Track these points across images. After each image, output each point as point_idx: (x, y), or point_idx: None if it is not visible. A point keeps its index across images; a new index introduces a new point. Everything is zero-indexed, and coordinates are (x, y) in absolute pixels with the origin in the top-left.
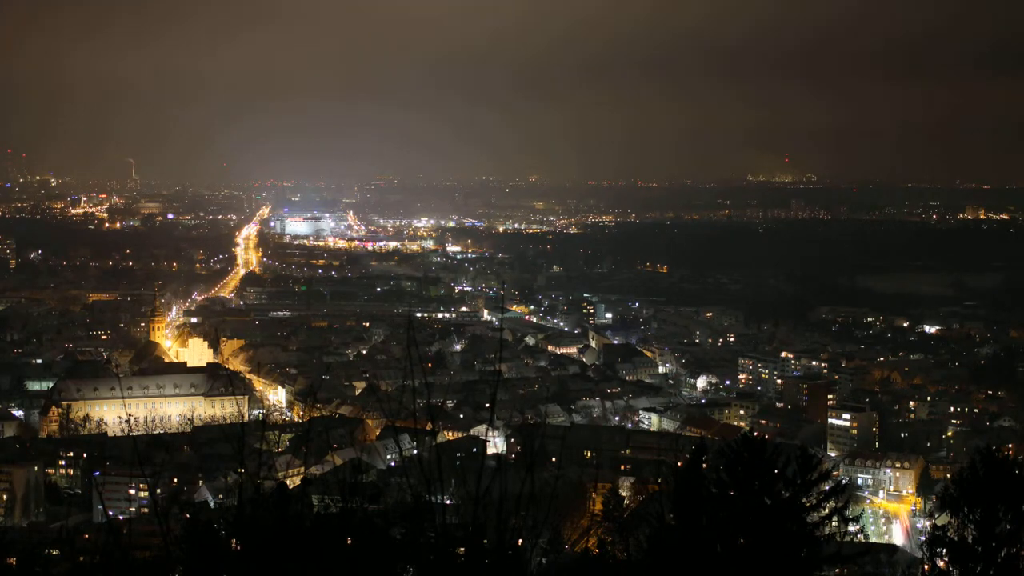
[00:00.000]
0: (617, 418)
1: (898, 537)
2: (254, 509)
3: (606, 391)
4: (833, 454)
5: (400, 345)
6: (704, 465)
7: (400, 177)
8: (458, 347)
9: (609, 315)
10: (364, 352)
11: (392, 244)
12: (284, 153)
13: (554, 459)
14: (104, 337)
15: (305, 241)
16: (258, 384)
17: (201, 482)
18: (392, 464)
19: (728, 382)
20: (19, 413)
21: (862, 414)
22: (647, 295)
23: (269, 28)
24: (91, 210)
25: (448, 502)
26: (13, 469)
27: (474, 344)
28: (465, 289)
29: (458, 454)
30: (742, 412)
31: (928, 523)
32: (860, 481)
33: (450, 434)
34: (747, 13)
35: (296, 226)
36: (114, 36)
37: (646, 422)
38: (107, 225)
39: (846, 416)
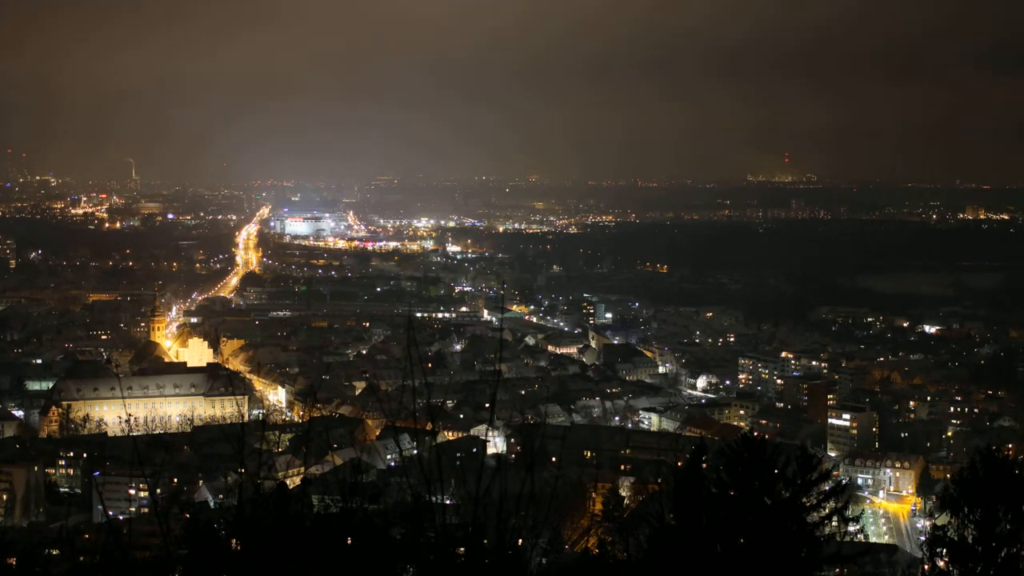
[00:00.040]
0: (617, 418)
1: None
2: (254, 509)
3: (606, 391)
4: (833, 454)
5: (400, 345)
6: (704, 465)
7: (400, 177)
8: (458, 347)
9: (609, 315)
10: (364, 352)
11: (392, 244)
12: (284, 153)
13: (554, 459)
14: (104, 337)
15: (305, 241)
16: (258, 384)
17: (201, 482)
18: (392, 464)
19: (728, 382)
20: (19, 413)
21: (862, 414)
22: (647, 295)
23: (269, 28)
24: (91, 210)
25: (448, 502)
26: (13, 469)
27: (474, 344)
28: (465, 289)
29: (458, 454)
30: (742, 412)
31: (928, 523)
32: (860, 481)
33: (450, 434)
34: (747, 13)
35: (296, 226)
36: (114, 36)
37: (646, 422)
38: (107, 225)
39: (846, 416)
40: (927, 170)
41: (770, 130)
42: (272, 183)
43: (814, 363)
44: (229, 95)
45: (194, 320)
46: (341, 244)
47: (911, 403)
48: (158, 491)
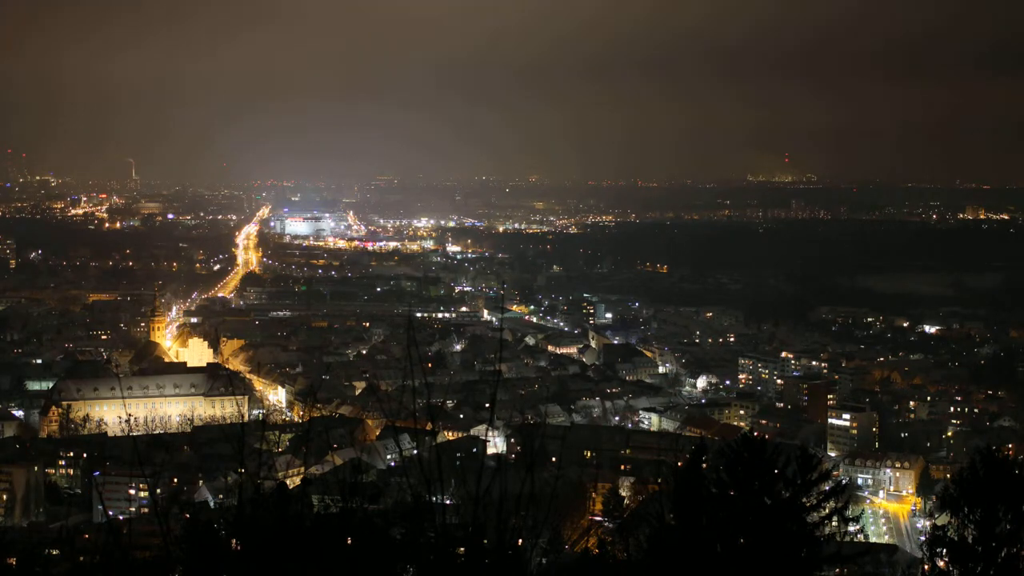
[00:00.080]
0: (617, 418)
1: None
2: (254, 509)
3: (606, 391)
4: (833, 454)
5: (400, 345)
6: (704, 465)
7: (400, 177)
8: (458, 347)
9: (609, 315)
10: (364, 352)
11: (392, 244)
12: (284, 153)
13: (554, 459)
14: (104, 337)
15: (305, 241)
16: (258, 384)
17: (201, 482)
18: (392, 464)
19: (728, 382)
20: (19, 413)
21: (862, 414)
22: (647, 295)
23: (269, 28)
24: (91, 210)
25: (448, 502)
26: (13, 469)
27: (474, 344)
28: (465, 289)
29: (458, 454)
30: (742, 412)
31: (928, 523)
32: (860, 481)
33: (450, 434)
34: (747, 13)
35: (296, 226)
36: (114, 36)
37: (646, 422)
38: (107, 225)
39: (846, 416)
40: (927, 170)
41: (770, 130)
42: (272, 183)
43: (814, 363)
44: (229, 95)
45: (194, 320)
46: (341, 244)
47: (911, 403)
48: (158, 491)
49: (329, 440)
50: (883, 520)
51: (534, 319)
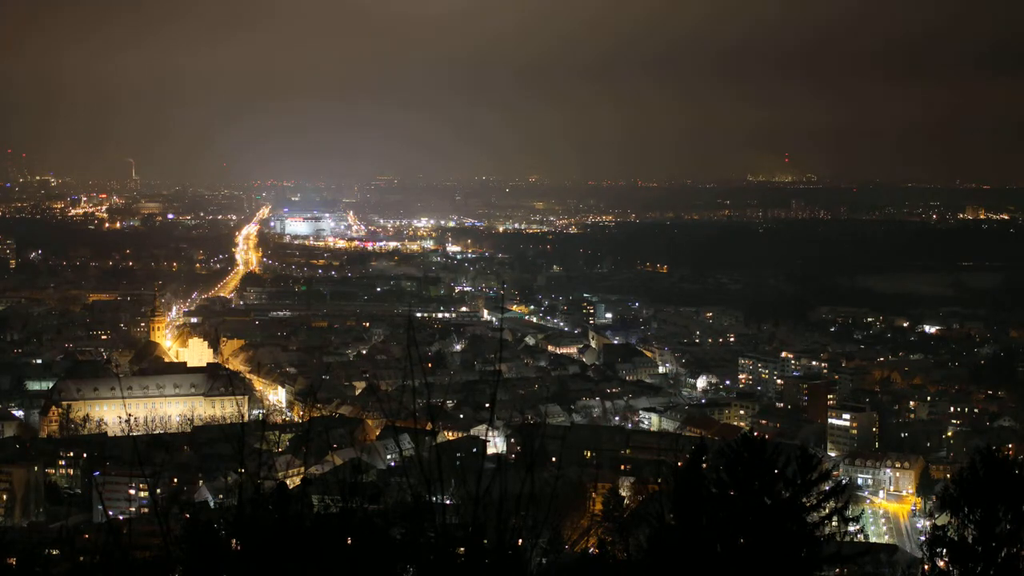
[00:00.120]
0: (617, 418)
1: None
2: (254, 509)
3: (606, 391)
4: (833, 454)
5: (400, 345)
6: (704, 465)
7: (400, 177)
8: (458, 347)
9: (609, 315)
10: (364, 352)
11: (392, 244)
12: (284, 153)
13: (554, 459)
14: (104, 337)
15: (305, 241)
16: (258, 384)
17: (201, 482)
18: (392, 464)
19: (728, 382)
20: (19, 413)
21: (862, 414)
22: (647, 295)
23: (269, 28)
24: (91, 210)
25: (448, 502)
26: (13, 469)
27: (474, 344)
28: (465, 289)
29: (458, 454)
30: (742, 412)
31: (928, 523)
32: (860, 481)
33: (450, 434)
34: (747, 13)
35: (296, 226)
36: (114, 36)
37: (646, 422)
38: (107, 225)
39: (846, 416)
40: (927, 170)
41: (770, 130)
42: (272, 183)
43: (814, 363)
44: (229, 95)
45: (194, 320)
46: (341, 244)
47: (911, 403)
48: (158, 491)
49: (329, 440)
50: (883, 520)
51: (534, 319)
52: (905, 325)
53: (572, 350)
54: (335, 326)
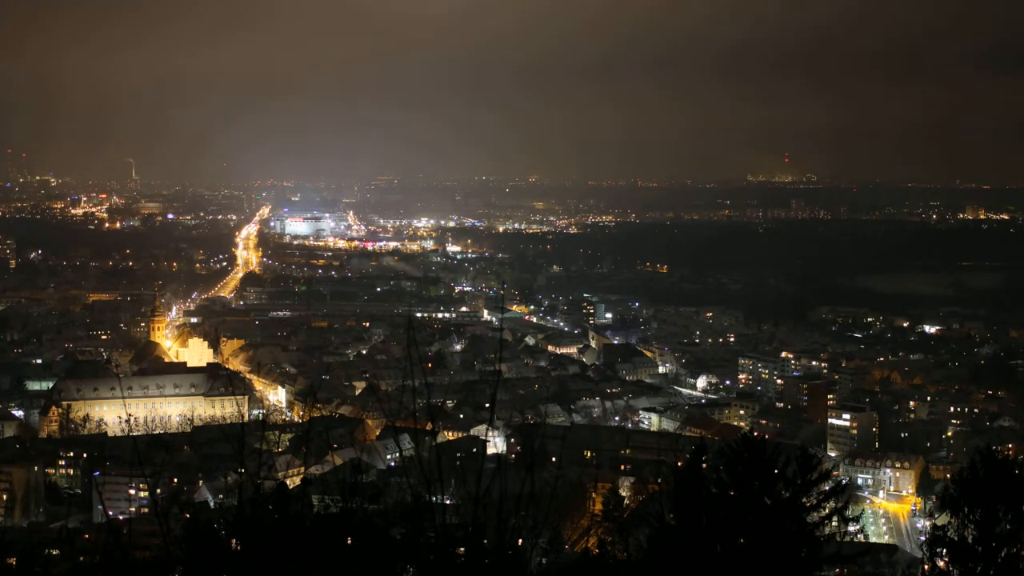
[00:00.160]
0: (617, 418)
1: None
2: (254, 509)
3: (606, 391)
4: (833, 454)
5: (400, 345)
6: (704, 465)
7: (400, 177)
8: (458, 347)
9: (609, 315)
10: (364, 352)
11: (392, 244)
12: (284, 153)
13: (554, 459)
14: (104, 337)
15: (305, 241)
16: (258, 384)
17: (201, 482)
18: (392, 464)
19: (728, 382)
20: (19, 413)
21: (862, 414)
22: (647, 295)
23: (269, 28)
24: (91, 210)
25: (448, 502)
26: (13, 469)
27: (474, 344)
28: (465, 289)
29: (458, 454)
30: (742, 412)
31: (928, 523)
32: (860, 481)
33: (450, 434)
34: (747, 13)
35: (296, 226)
36: (114, 36)
37: (646, 422)
38: (107, 225)
39: (846, 416)
40: (927, 170)
41: (770, 130)
42: (272, 183)
43: (814, 363)
44: (229, 95)
45: (194, 320)
46: (341, 244)
47: (911, 403)
48: (158, 491)
49: (329, 440)
50: (883, 520)
51: (534, 319)
52: (905, 325)
53: (572, 350)
54: (335, 326)
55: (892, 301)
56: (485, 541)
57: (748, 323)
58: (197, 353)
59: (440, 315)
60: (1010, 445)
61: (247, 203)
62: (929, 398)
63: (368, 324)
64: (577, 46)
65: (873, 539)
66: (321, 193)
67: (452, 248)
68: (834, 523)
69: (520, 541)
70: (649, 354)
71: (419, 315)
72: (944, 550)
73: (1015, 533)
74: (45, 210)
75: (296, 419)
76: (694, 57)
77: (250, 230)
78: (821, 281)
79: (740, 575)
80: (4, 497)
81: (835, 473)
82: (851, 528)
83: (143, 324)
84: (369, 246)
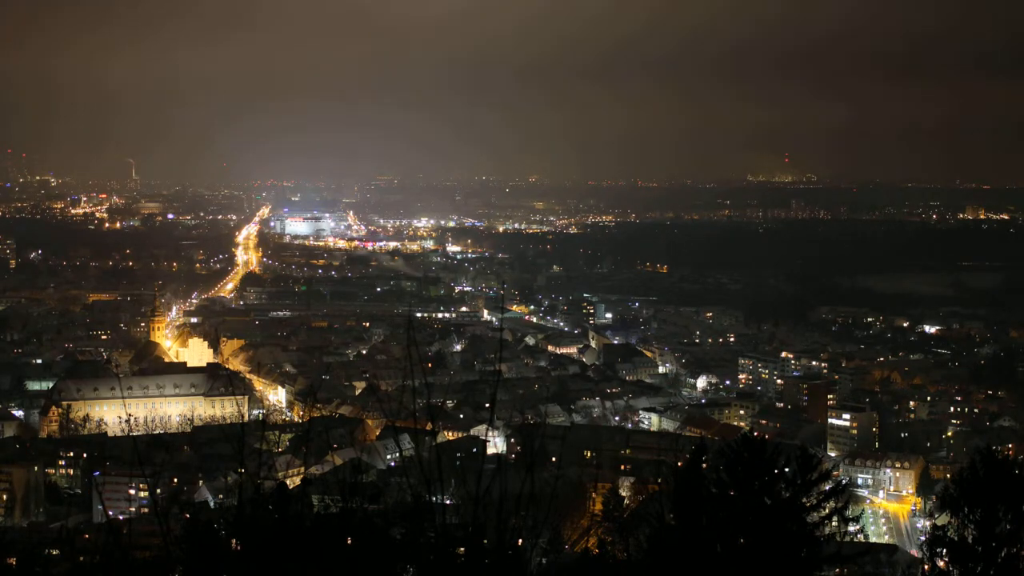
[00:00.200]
0: (617, 418)
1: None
2: (254, 509)
3: (606, 391)
4: (833, 454)
5: (400, 345)
6: (704, 465)
7: (400, 177)
8: (458, 347)
9: (609, 315)
10: (364, 352)
11: (392, 244)
12: (284, 153)
13: (554, 459)
14: (104, 337)
15: (305, 241)
16: (258, 384)
17: (201, 482)
18: (392, 464)
19: (728, 382)
20: (19, 413)
21: (862, 414)
22: (647, 295)
23: (269, 28)
24: (91, 210)
25: (448, 502)
26: (13, 469)
27: (474, 344)
28: (465, 289)
29: (458, 454)
30: (742, 412)
31: (928, 523)
32: (860, 481)
33: (450, 434)
34: (749, 14)
35: (296, 226)
36: (114, 36)
37: (646, 422)
38: (107, 225)
39: (846, 416)
40: (927, 170)
41: (770, 130)
42: (272, 183)
43: (814, 363)
44: (229, 95)
45: (194, 320)
46: (341, 244)
47: (911, 403)
48: (158, 491)
49: (329, 440)
50: (883, 520)
51: (534, 319)
52: (905, 325)
53: (572, 350)
54: (335, 326)
55: (892, 301)
56: (485, 541)
57: (748, 323)
58: (197, 353)
59: (440, 315)
60: (1010, 445)
61: (247, 203)
62: (929, 398)
63: (368, 324)
64: (577, 46)
65: (873, 539)
66: (321, 193)
67: (452, 248)
68: (834, 523)
69: (520, 541)
70: (649, 354)
71: (419, 315)
72: (944, 550)
73: (1015, 533)
74: (45, 210)
75: (296, 419)
76: (694, 57)
77: (250, 230)
78: (821, 281)
79: (740, 575)
80: (4, 497)
81: (835, 473)
82: (851, 528)
83: (143, 324)
84: (369, 246)
